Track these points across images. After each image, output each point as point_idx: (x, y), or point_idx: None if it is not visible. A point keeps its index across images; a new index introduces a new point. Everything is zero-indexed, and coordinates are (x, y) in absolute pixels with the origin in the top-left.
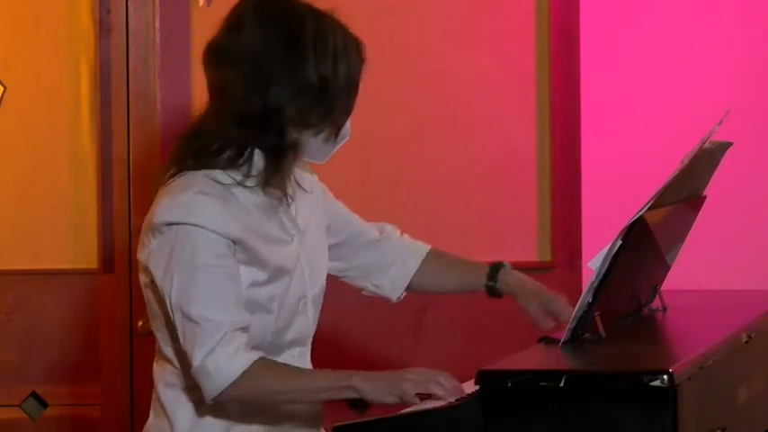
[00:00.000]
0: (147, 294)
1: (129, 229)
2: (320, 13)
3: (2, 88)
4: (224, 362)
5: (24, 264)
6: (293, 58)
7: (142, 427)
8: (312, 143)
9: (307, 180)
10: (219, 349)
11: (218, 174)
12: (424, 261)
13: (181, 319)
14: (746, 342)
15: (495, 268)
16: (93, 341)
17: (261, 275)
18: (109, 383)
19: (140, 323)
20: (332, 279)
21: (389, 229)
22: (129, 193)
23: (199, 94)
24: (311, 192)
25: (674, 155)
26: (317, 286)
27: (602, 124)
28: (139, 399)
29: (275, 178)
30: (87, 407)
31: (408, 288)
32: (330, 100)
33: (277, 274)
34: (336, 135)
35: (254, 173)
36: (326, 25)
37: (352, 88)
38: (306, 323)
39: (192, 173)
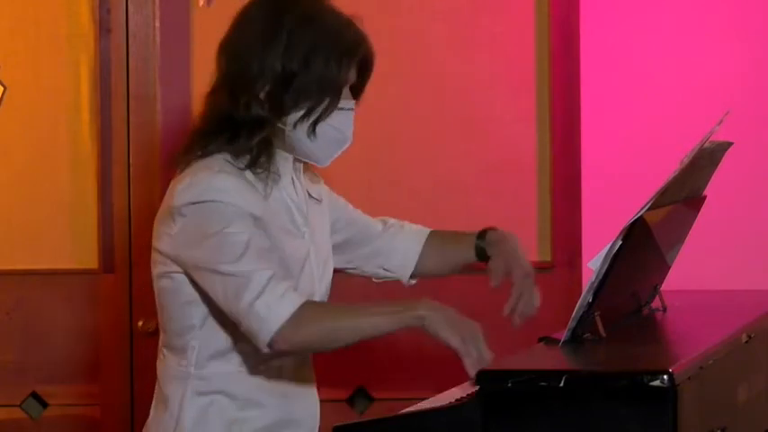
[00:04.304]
0: (164, 283)
1: (129, 229)
2: (323, 10)
3: (2, 88)
4: (275, 302)
5: (24, 264)
6: (268, 39)
7: (142, 426)
8: (295, 136)
9: (315, 190)
10: (269, 290)
11: (231, 158)
12: (427, 241)
13: (220, 279)
14: (746, 342)
15: (484, 230)
16: (94, 341)
17: None
18: (109, 383)
19: (140, 323)
20: (337, 275)
21: (392, 220)
22: (128, 193)
23: (199, 94)
24: (320, 200)
25: (674, 155)
26: (323, 286)
27: (602, 124)
28: (139, 399)
29: (259, 160)
30: (87, 407)
31: (416, 271)
32: (298, 92)
33: (289, 265)
34: (314, 132)
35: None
36: (319, 21)
37: (328, 88)
38: None
39: (206, 158)
